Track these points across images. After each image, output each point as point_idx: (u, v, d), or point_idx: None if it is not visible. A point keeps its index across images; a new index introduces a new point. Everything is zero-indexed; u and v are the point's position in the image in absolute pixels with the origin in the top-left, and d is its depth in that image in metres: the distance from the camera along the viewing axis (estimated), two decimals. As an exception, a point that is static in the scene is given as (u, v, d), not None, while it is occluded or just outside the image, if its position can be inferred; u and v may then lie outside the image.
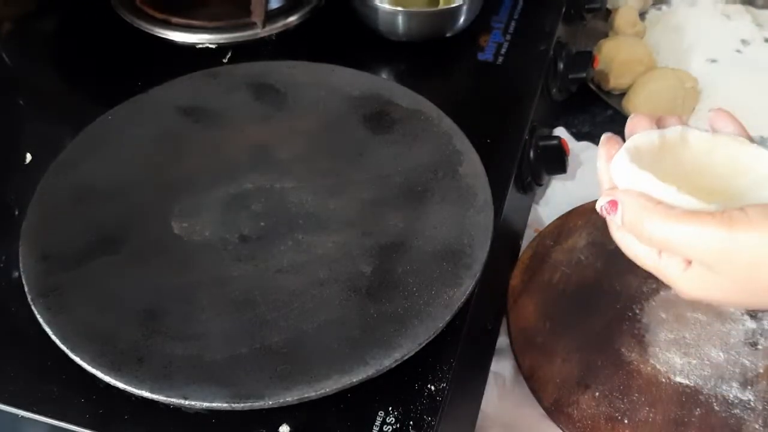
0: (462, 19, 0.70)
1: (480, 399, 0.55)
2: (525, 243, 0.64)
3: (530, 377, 0.55)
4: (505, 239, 0.61)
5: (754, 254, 0.35)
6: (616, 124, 0.76)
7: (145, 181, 0.55)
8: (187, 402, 0.42)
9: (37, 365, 0.46)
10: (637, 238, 0.40)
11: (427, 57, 0.70)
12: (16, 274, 0.49)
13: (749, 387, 0.53)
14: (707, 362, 0.54)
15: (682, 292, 0.39)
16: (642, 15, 0.92)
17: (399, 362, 0.43)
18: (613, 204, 0.40)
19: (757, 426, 0.51)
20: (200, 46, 0.71)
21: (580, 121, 0.79)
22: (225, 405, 0.42)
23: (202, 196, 0.54)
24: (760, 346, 0.55)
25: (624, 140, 0.42)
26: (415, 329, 0.45)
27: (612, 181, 0.41)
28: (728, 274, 0.36)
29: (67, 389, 0.45)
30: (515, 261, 0.62)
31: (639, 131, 0.42)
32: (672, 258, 0.39)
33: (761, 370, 0.54)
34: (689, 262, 0.38)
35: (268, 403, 0.42)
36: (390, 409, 0.44)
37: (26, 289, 0.47)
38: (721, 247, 0.36)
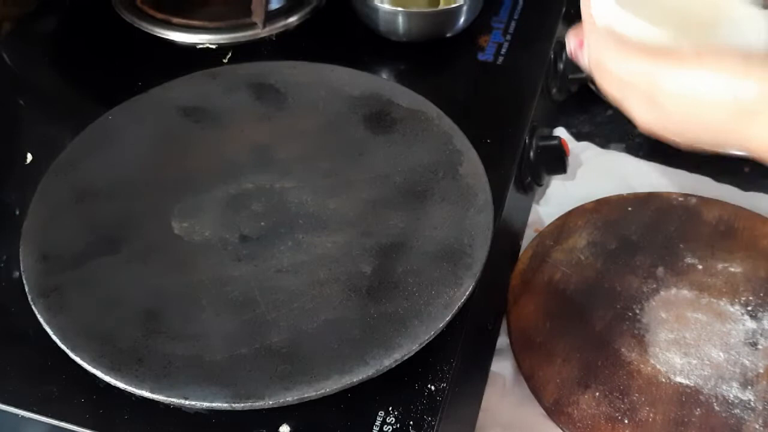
0: (462, 20, 0.70)
1: (480, 399, 0.55)
2: (525, 243, 0.64)
3: (530, 377, 0.55)
4: (505, 239, 0.61)
5: (682, 88, 0.36)
6: (616, 124, 0.76)
7: (145, 181, 0.55)
8: (187, 402, 0.42)
9: (37, 365, 0.46)
10: (601, 77, 0.41)
11: (427, 57, 0.70)
12: (17, 274, 0.49)
13: (749, 387, 0.53)
14: (707, 362, 0.54)
15: (638, 124, 0.41)
16: (642, 15, 0.92)
17: (399, 362, 0.43)
18: (581, 44, 0.42)
19: (757, 426, 0.51)
20: (200, 46, 0.71)
21: (580, 121, 0.78)
22: (225, 405, 0.41)
23: (203, 196, 0.54)
24: (760, 346, 0.55)
25: None
26: (415, 329, 0.45)
27: (589, 15, 0.42)
28: (664, 105, 0.38)
29: (67, 389, 0.45)
30: (515, 261, 0.62)
31: None
32: (632, 91, 0.40)
33: (761, 370, 0.54)
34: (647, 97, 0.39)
35: (268, 403, 0.42)
36: (390, 409, 0.44)
37: (26, 289, 0.47)
38: (659, 78, 0.37)
